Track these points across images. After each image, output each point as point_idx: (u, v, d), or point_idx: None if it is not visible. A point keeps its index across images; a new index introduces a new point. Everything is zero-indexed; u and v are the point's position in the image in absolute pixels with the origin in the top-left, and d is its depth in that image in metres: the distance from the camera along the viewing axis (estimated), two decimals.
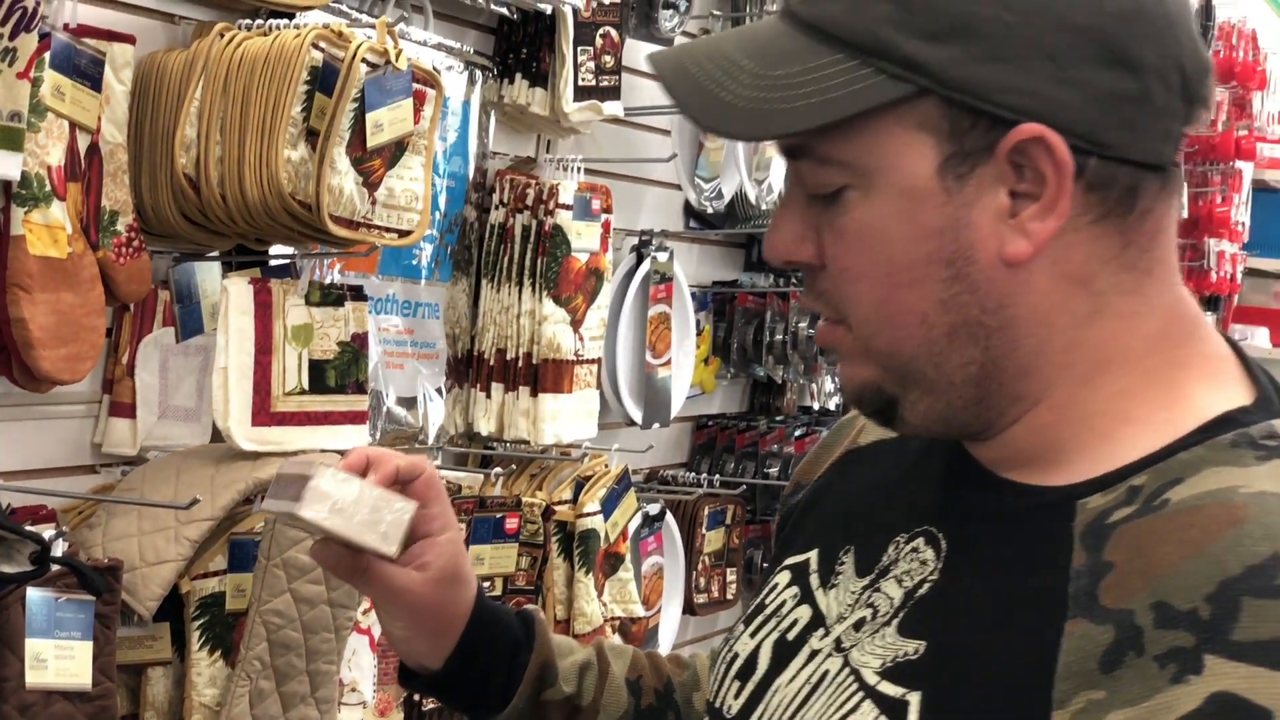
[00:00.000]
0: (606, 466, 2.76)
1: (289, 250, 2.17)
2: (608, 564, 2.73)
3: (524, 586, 2.52)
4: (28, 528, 1.59)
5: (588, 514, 2.65)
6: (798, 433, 3.46)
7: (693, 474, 3.33)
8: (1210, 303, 6.85)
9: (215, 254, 2.15)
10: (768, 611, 1.16)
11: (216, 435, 2.17)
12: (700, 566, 3.28)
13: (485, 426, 2.63)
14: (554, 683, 1.30)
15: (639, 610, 2.81)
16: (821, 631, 1.08)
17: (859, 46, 0.95)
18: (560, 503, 2.62)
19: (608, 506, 2.70)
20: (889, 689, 0.98)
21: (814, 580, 1.13)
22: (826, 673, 1.05)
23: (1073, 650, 0.89)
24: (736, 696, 1.12)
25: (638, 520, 2.92)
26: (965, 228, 0.96)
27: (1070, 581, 0.92)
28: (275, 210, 1.97)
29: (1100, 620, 0.89)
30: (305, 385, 2.08)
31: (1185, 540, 0.89)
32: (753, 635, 1.15)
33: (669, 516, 3.15)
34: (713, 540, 3.31)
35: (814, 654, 1.07)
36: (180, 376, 2.14)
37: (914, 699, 0.96)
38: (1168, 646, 0.86)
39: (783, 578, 1.17)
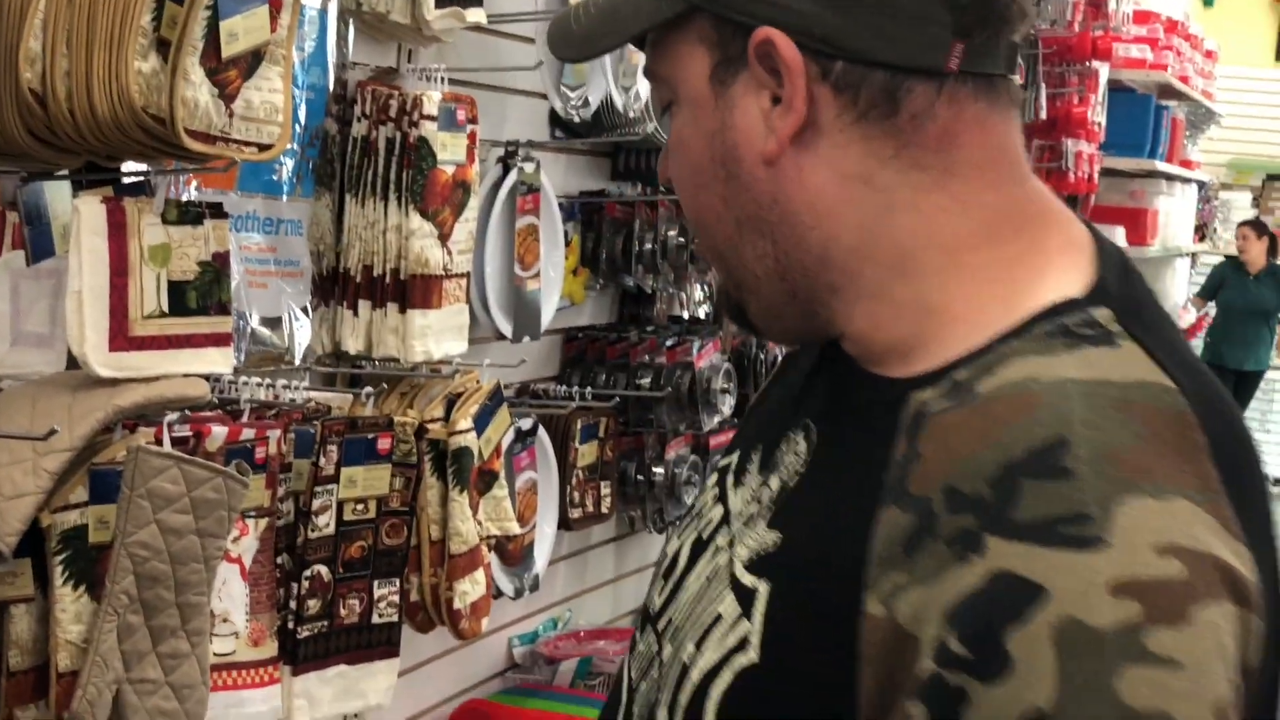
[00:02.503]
0: (478, 383, 2.71)
1: (142, 167, 2.08)
2: (482, 482, 2.69)
3: (398, 508, 2.46)
4: None
5: (460, 431, 2.59)
6: (669, 343, 3.43)
7: (564, 387, 3.29)
8: (1069, 203, 6.91)
9: (65, 172, 2.05)
10: (694, 512, 1.23)
11: (73, 362, 2.09)
12: (574, 481, 3.25)
13: (353, 345, 2.57)
14: None
15: (514, 528, 2.77)
16: (726, 528, 1.14)
17: None
18: (432, 421, 2.57)
19: (480, 423, 2.65)
20: (747, 579, 1.06)
21: (730, 480, 1.19)
22: (718, 567, 1.11)
23: (882, 536, 0.95)
24: (660, 594, 1.19)
25: (510, 436, 2.87)
26: (730, 129, 1.07)
27: (889, 471, 0.97)
28: (127, 125, 1.87)
29: (906, 507, 0.95)
30: (165, 307, 2.00)
31: (979, 429, 0.95)
32: (679, 536, 1.22)
33: (541, 431, 3.11)
34: (586, 454, 3.28)
35: (717, 550, 1.13)
36: (32, 301, 2.05)
37: (763, 588, 1.04)
38: (955, 529, 0.91)
39: (711, 480, 1.24)
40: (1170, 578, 0.87)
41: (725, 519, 1.16)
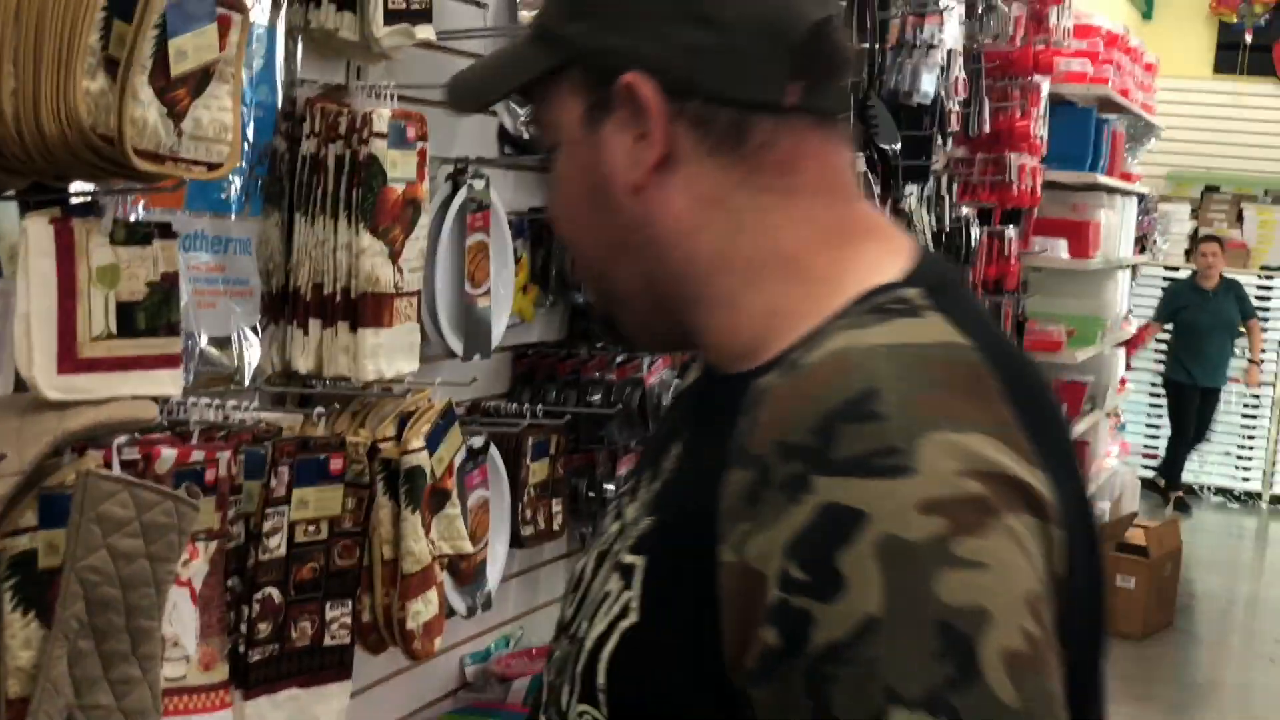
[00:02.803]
0: (430, 401, 2.69)
1: (90, 187, 2.06)
2: (434, 500, 2.67)
3: (350, 529, 2.44)
4: None
5: (413, 451, 2.58)
6: (619, 359, 3.41)
7: (515, 405, 3.27)
8: (1012, 216, 6.96)
9: (10, 193, 2.03)
10: (598, 533, 1.35)
11: (21, 384, 2.06)
12: (526, 498, 3.23)
13: (304, 364, 2.54)
14: None
15: (467, 546, 2.76)
16: (622, 537, 1.26)
17: (538, 34, 1.27)
18: (384, 440, 2.55)
19: (432, 442, 2.63)
20: (628, 559, 1.19)
21: (625, 500, 1.32)
22: (605, 568, 1.25)
23: (728, 494, 1.08)
24: (570, 606, 1.30)
25: (462, 455, 2.86)
26: (601, 164, 1.22)
27: (735, 436, 1.11)
28: (75, 145, 1.85)
29: (746, 466, 1.08)
30: (114, 329, 1.98)
31: (802, 390, 1.09)
32: (586, 552, 1.33)
33: (493, 449, 3.09)
34: (537, 471, 3.26)
35: (615, 554, 1.25)
36: None
37: (640, 561, 1.17)
38: (787, 475, 1.05)
39: (611, 504, 1.38)
40: (971, 495, 1.02)
41: (621, 530, 1.27)
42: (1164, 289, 11.83)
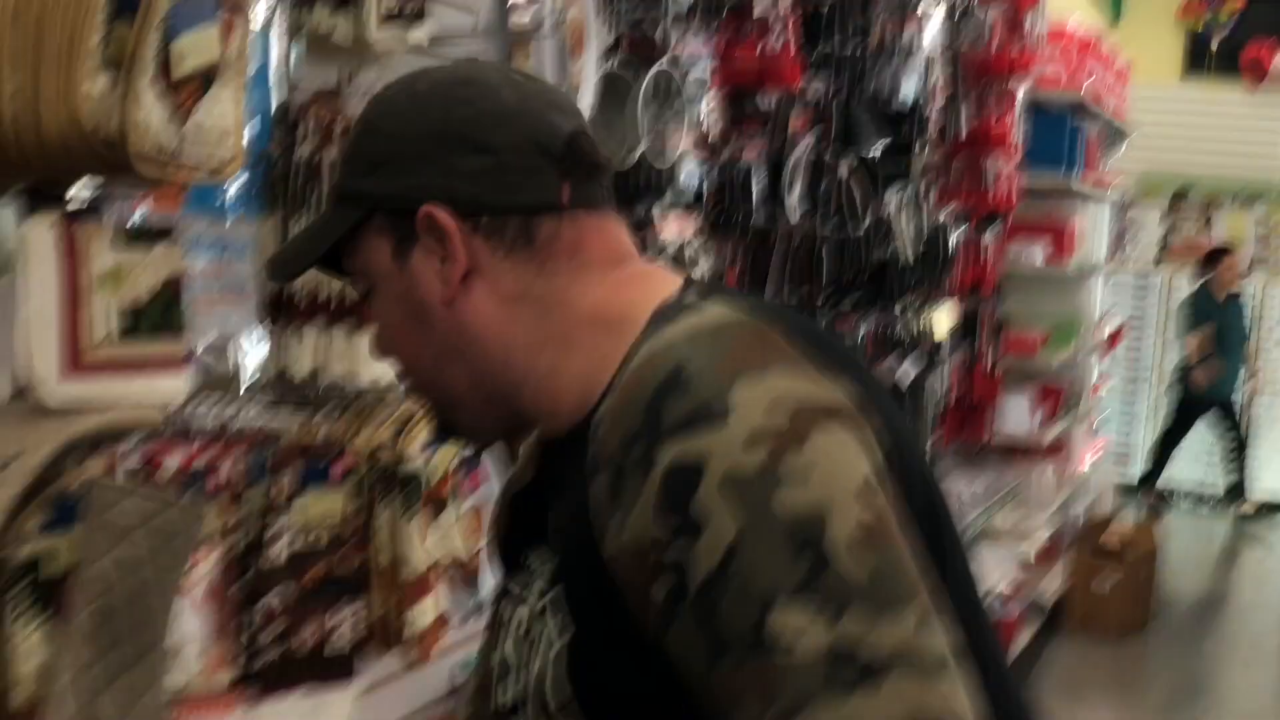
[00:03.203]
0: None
1: (91, 191, 2.04)
2: (432, 507, 2.65)
3: (353, 534, 2.42)
4: None
5: (410, 457, 2.56)
6: None
7: None
8: (989, 220, 6.97)
9: (8, 195, 2.01)
10: (499, 625, 1.49)
11: (22, 390, 2.03)
12: None
13: (300, 370, 2.52)
14: None
15: (463, 552, 2.74)
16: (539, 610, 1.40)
17: (340, 195, 1.46)
18: (381, 446, 2.53)
19: (429, 448, 2.61)
20: (543, 599, 1.37)
21: (515, 587, 1.47)
22: (532, 630, 1.40)
23: (595, 501, 1.26)
24: (505, 695, 1.44)
25: (457, 460, 2.84)
26: (415, 288, 1.42)
27: (588, 461, 1.28)
28: (77, 148, 1.84)
29: (599, 471, 1.26)
30: (118, 332, 1.96)
31: (625, 396, 1.26)
32: (497, 648, 1.48)
33: (487, 454, 3.07)
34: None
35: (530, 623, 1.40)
36: None
37: (557, 592, 1.35)
38: (634, 460, 1.23)
39: (503, 600, 1.51)
40: (781, 424, 1.21)
41: (530, 613, 1.40)
42: (1186, 300, 11.74)
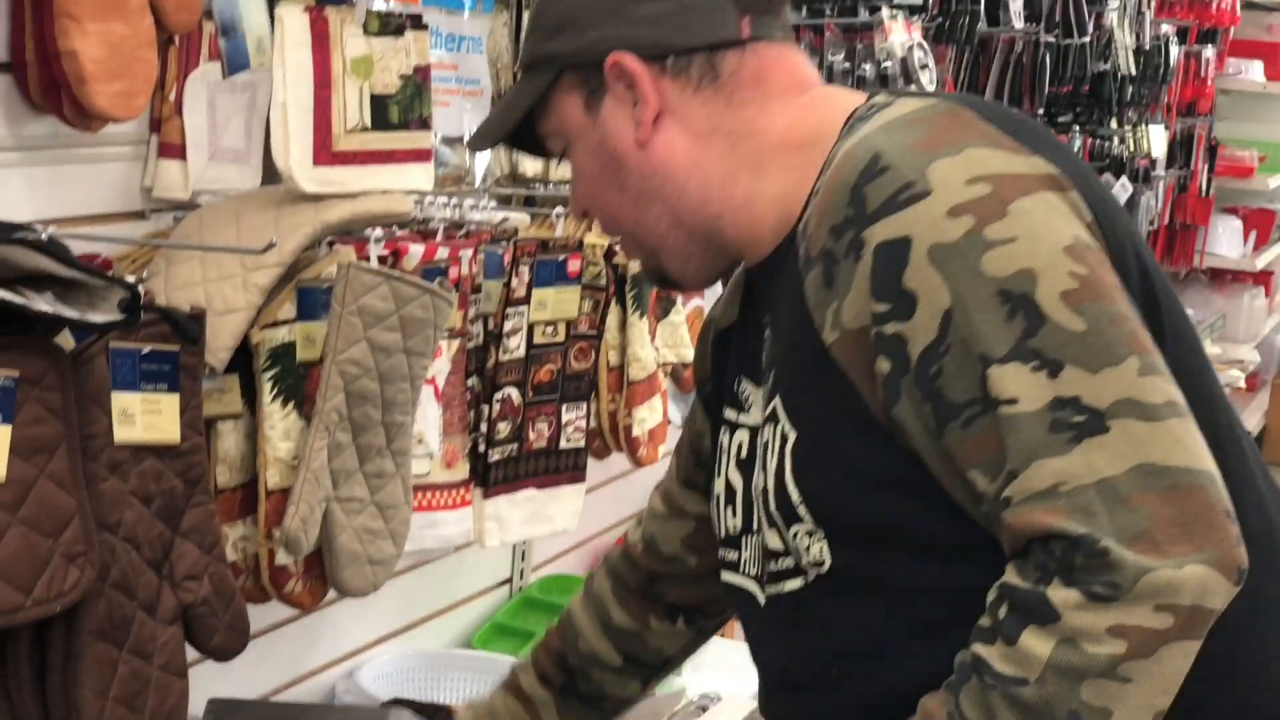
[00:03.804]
0: None
1: None
2: (659, 307, 2.65)
3: (586, 331, 2.42)
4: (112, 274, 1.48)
5: None
6: None
7: None
8: (1208, 36, 6.70)
9: None
10: (720, 456, 1.53)
11: (267, 179, 2.05)
12: None
13: (531, 167, 2.51)
14: None
15: (689, 354, 2.73)
16: (757, 434, 1.44)
17: (529, 63, 1.50)
18: (614, 244, 2.52)
19: None
20: (769, 409, 1.38)
21: (730, 413, 1.52)
22: (757, 445, 1.43)
23: (810, 293, 1.30)
24: (735, 517, 1.49)
25: None
26: (609, 138, 1.45)
27: (799, 262, 1.33)
28: None
29: (814, 265, 1.30)
30: (367, 121, 1.95)
31: (829, 189, 1.30)
32: (719, 475, 1.52)
33: None
34: None
35: (764, 447, 1.42)
36: (228, 115, 2.01)
37: (778, 400, 1.37)
38: (845, 246, 1.27)
39: (720, 434, 1.54)
40: (983, 194, 1.24)
41: (753, 434, 1.46)
42: None
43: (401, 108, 1.98)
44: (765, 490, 1.38)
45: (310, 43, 1.89)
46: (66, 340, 1.59)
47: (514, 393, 2.32)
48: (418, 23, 2.00)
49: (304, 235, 1.87)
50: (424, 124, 2.01)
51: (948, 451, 1.24)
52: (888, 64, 3.26)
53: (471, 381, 2.27)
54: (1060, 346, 1.20)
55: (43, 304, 1.42)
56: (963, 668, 1.22)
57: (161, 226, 1.97)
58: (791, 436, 1.35)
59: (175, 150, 1.95)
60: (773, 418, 1.37)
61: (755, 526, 1.44)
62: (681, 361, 2.72)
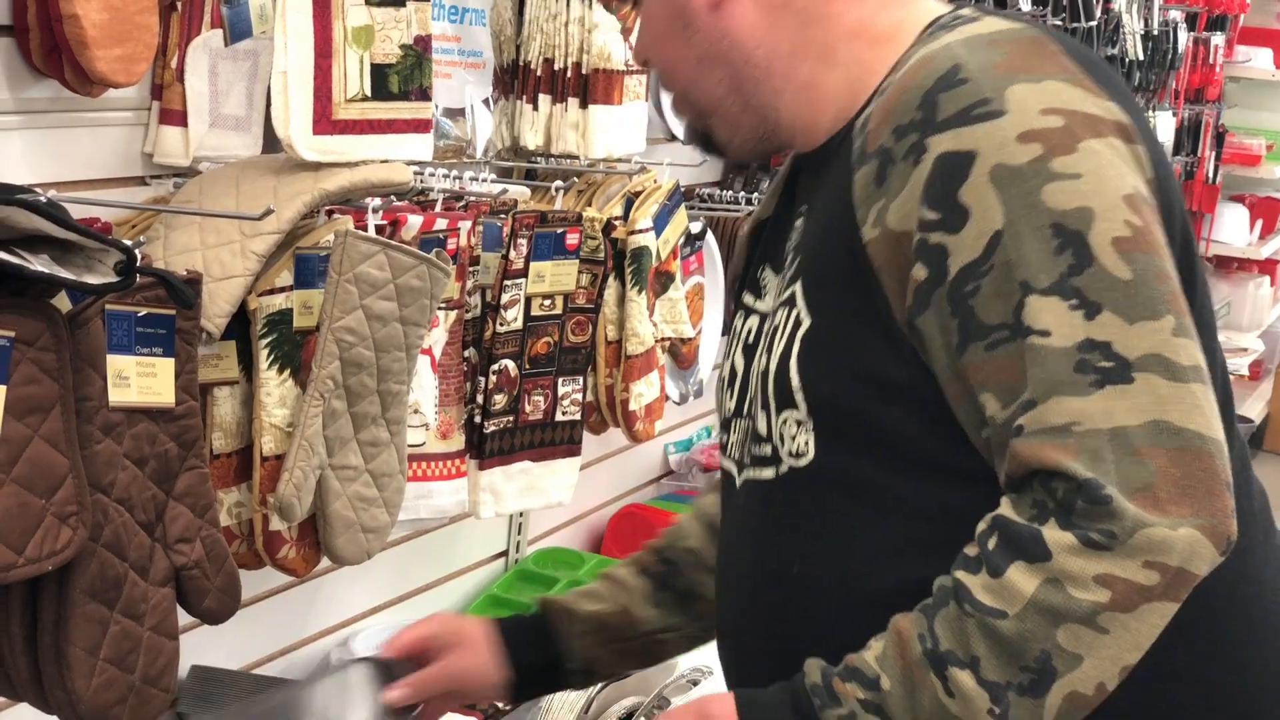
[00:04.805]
0: (656, 182, 2.66)
1: None
2: (658, 282, 2.65)
3: (584, 305, 2.43)
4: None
5: (640, 230, 2.55)
6: None
7: (728, 192, 3.23)
8: (1218, 22, 6.69)
9: None
10: (731, 339, 1.53)
11: (268, 146, 2.05)
12: None
13: (532, 140, 2.51)
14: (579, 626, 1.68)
15: (688, 330, 2.74)
16: (766, 320, 1.43)
17: None
18: (613, 219, 2.52)
19: (659, 223, 2.60)
20: (786, 294, 1.38)
21: (748, 298, 1.52)
22: (765, 328, 1.42)
23: (859, 188, 1.29)
24: (731, 400, 1.48)
25: (683, 238, 2.83)
26: None
27: (852, 155, 1.32)
28: None
29: (868, 160, 1.29)
30: (368, 91, 1.96)
31: (899, 89, 1.29)
32: (727, 358, 1.52)
33: (709, 235, 3.05)
34: None
35: (763, 332, 1.42)
36: (230, 83, 2.01)
37: (796, 286, 1.37)
38: (906, 148, 1.26)
39: (736, 319, 1.54)
40: (1056, 126, 1.23)
41: (762, 318, 1.45)
42: None
43: (402, 78, 1.99)
44: (766, 372, 1.38)
45: (311, 11, 1.90)
46: (63, 302, 1.60)
47: (510, 365, 2.33)
48: None
49: (302, 203, 1.88)
50: (424, 95, 2.01)
51: (964, 370, 1.24)
52: None
53: (468, 353, 2.28)
54: (1103, 290, 1.20)
55: (39, 265, 1.42)
56: (942, 591, 1.23)
57: (162, 193, 1.98)
58: (806, 323, 1.34)
59: (176, 117, 1.96)
60: (789, 302, 1.37)
61: (746, 409, 1.44)
62: (680, 337, 2.72)
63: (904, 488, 1.31)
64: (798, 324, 1.35)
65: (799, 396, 1.34)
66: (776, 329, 1.38)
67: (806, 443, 1.35)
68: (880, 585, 1.31)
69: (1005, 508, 1.21)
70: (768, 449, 1.39)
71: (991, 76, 1.26)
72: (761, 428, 1.40)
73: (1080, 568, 1.16)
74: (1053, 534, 1.17)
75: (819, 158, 1.42)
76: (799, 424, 1.35)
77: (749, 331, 1.48)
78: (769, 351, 1.38)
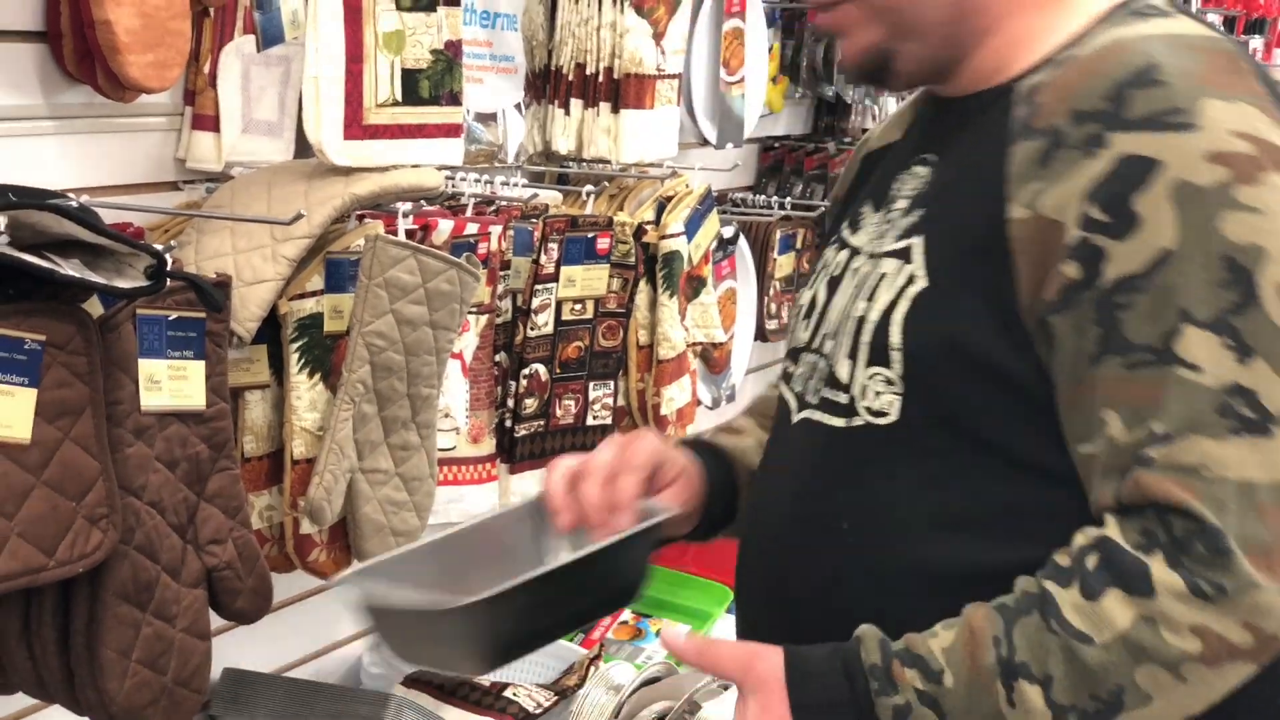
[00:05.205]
0: (688, 186, 2.66)
1: None
2: (690, 287, 2.65)
3: (614, 309, 2.43)
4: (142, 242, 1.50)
5: (671, 235, 2.55)
6: None
7: (761, 196, 3.23)
8: (1256, 26, 6.66)
9: None
10: (818, 270, 1.46)
11: (299, 152, 2.07)
12: (771, 292, 3.20)
13: (564, 144, 2.51)
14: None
15: (719, 335, 2.74)
16: (857, 256, 1.39)
17: None
18: (645, 223, 2.53)
19: (690, 228, 2.60)
20: (899, 244, 1.32)
21: (845, 232, 1.44)
22: (864, 272, 1.36)
23: (1016, 162, 1.23)
24: (805, 330, 1.42)
25: (714, 243, 2.83)
26: None
27: (1011, 122, 1.26)
28: None
29: (1034, 137, 1.23)
30: (398, 96, 1.96)
31: (1086, 70, 1.24)
32: (809, 287, 1.45)
33: (741, 240, 3.05)
34: (783, 265, 3.22)
35: (855, 271, 1.37)
36: (262, 88, 2.03)
37: (916, 240, 1.31)
38: (1082, 136, 1.20)
39: (827, 249, 1.47)
40: (1246, 152, 1.17)
41: (853, 254, 1.39)
42: None
43: (432, 83, 1.99)
44: (863, 320, 1.32)
45: (343, 16, 1.91)
46: (95, 307, 1.61)
47: (541, 369, 2.33)
48: None
49: (333, 208, 1.89)
50: (455, 99, 2.02)
51: (1091, 379, 1.19)
52: None
53: (499, 357, 2.28)
54: (1260, 334, 1.15)
55: (70, 270, 1.43)
56: (1027, 598, 1.20)
57: (194, 198, 2.00)
58: (920, 284, 1.29)
59: (208, 122, 1.97)
60: (902, 255, 1.31)
61: (821, 346, 1.38)
62: (711, 342, 2.72)
63: (979, 472, 1.27)
64: (910, 281, 1.29)
65: (895, 356, 1.29)
66: (883, 278, 1.32)
67: (891, 403, 1.30)
68: (928, 558, 1.28)
69: (1112, 529, 1.18)
70: (843, 397, 1.34)
71: (1188, 85, 1.20)
72: (842, 373, 1.34)
73: (1180, 613, 1.14)
74: (1160, 571, 1.14)
75: (964, 107, 1.36)
76: (887, 383, 1.30)
77: (838, 265, 1.41)
78: (869, 299, 1.32)
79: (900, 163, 1.42)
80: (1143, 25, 1.28)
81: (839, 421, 1.34)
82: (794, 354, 1.45)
